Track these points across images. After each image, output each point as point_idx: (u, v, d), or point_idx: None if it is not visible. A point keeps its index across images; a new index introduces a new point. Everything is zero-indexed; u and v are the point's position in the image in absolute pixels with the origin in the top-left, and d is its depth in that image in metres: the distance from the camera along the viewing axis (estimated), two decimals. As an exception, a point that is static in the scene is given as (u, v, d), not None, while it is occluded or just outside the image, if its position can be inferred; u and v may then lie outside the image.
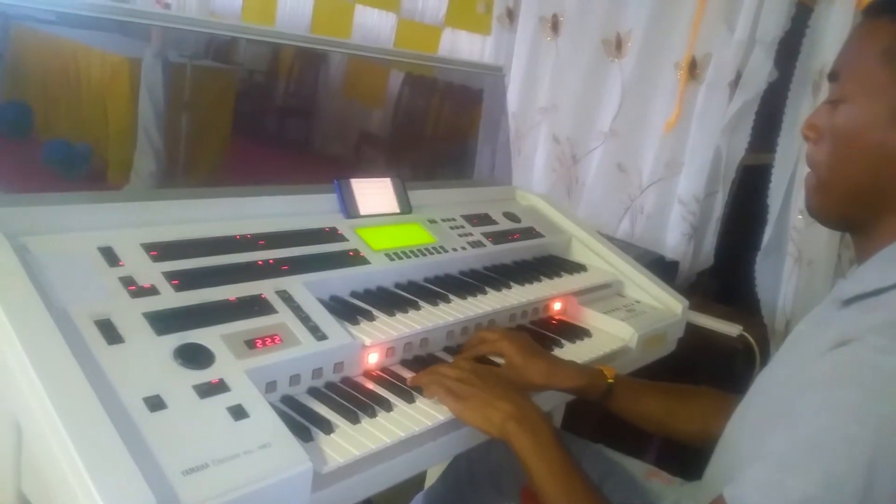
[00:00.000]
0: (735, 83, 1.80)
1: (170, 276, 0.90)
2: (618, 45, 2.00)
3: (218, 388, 0.78)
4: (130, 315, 0.81)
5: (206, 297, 0.90)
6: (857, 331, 0.69)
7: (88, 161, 1.31)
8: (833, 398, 0.67)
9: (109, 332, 0.78)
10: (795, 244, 1.74)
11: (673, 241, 1.93)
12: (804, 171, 1.66)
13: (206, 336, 0.83)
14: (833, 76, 0.82)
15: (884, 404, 0.64)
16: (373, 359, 1.00)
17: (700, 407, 1.11)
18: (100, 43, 1.37)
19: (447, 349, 1.12)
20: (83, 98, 1.37)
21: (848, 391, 0.66)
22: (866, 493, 0.63)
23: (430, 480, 1.54)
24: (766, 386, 0.88)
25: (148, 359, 0.78)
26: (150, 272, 0.89)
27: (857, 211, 0.81)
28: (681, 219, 1.91)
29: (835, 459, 0.64)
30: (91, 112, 1.38)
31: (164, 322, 0.82)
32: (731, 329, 1.66)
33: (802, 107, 1.71)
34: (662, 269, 1.78)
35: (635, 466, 1.22)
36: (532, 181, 2.20)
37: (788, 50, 1.74)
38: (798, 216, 1.73)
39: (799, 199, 1.72)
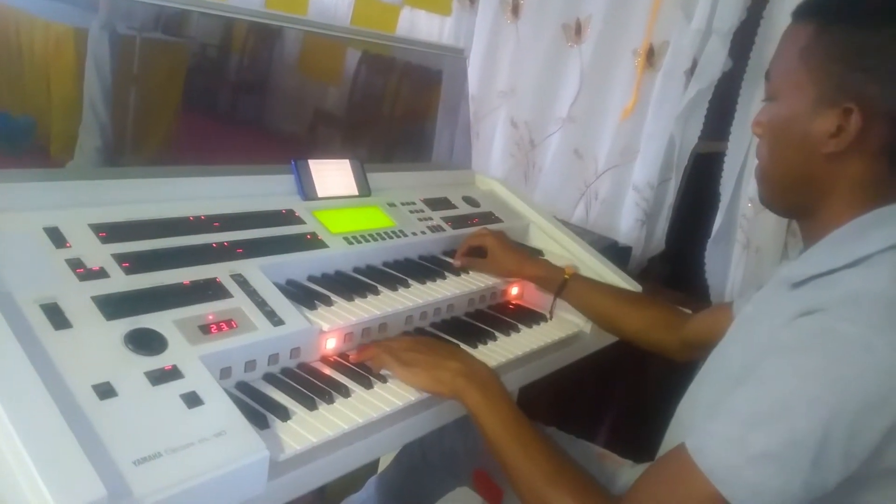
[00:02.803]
0: (691, 72, 1.82)
1: (120, 258, 0.87)
2: (577, 31, 2.00)
3: (171, 374, 0.76)
4: (78, 299, 0.79)
5: (159, 280, 0.87)
6: (820, 303, 0.73)
7: (31, 135, 1.25)
8: (799, 362, 0.71)
9: (56, 316, 0.75)
10: (744, 231, 1.78)
11: (626, 226, 1.96)
12: (755, 160, 1.71)
13: (158, 321, 0.81)
14: (767, 75, 0.89)
15: (844, 368, 0.68)
16: (331, 344, 0.99)
17: (645, 314, 1.25)
18: (43, 11, 1.31)
19: (406, 334, 1.12)
20: (25, 69, 1.31)
21: (812, 356, 0.70)
22: (820, 450, 0.67)
23: (385, 464, 1.54)
24: (719, 364, 0.92)
25: (97, 345, 0.75)
26: (100, 254, 0.86)
27: (798, 198, 0.86)
28: (634, 205, 1.93)
29: (797, 419, 0.68)
30: (34, 84, 1.31)
31: (114, 306, 0.80)
32: (681, 314, 1.69)
33: (755, 97, 1.74)
34: (615, 254, 1.81)
35: (587, 449, 1.25)
36: (490, 165, 2.20)
37: (743, 40, 1.77)
38: (748, 204, 1.77)
39: (749, 187, 1.76)
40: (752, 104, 1.75)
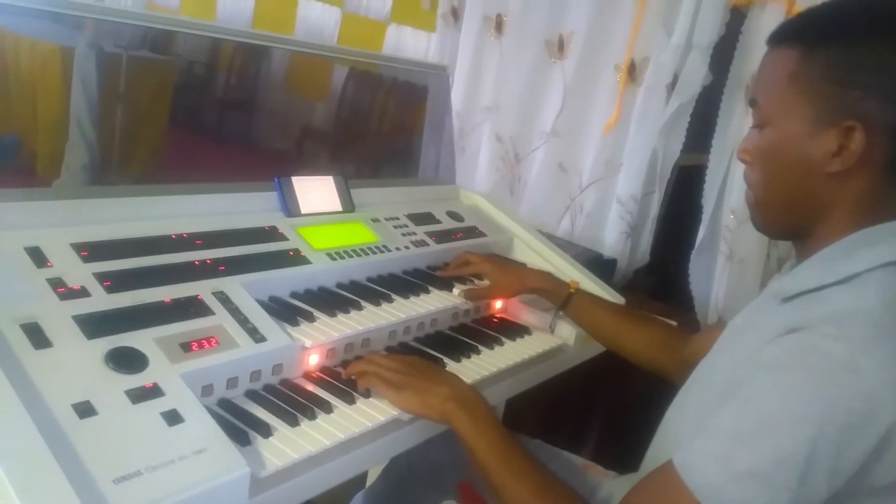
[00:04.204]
0: (672, 86, 1.85)
1: (101, 277, 0.87)
2: (560, 47, 2.03)
3: (151, 392, 0.76)
4: (59, 318, 0.79)
5: (140, 298, 0.87)
6: (805, 320, 0.73)
7: (16, 154, 1.25)
8: (785, 380, 0.71)
9: (36, 335, 0.75)
10: (727, 243, 1.80)
11: (611, 239, 1.98)
12: (736, 172, 1.74)
13: (139, 339, 0.81)
14: (752, 103, 0.88)
15: (830, 387, 0.68)
16: (313, 360, 1.00)
17: (647, 334, 1.24)
18: (30, 30, 1.31)
19: (389, 349, 1.13)
20: (11, 88, 1.31)
21: (799, 374, 0.70)
22: (807, 468, 0.67)
23: (372, 479, 1.54)
24: (707, 375, 0.92)
25: (77, 363, 0.75)
26: (81, 273, 0.86)
27: (795, 220, 0.86)
28: (619, 218, 1.95)
29: (783, 438, 0.68)
30: (19, 103, 1.32)
31: (94, 325, 0.80)
32: (666, 325, 1.70)
33: (735, 110, 1.77)
34: (600, 266, 1.82)
35: (571, 460, 1.25)
36: (476, 180, 2.22)
37: (723, 54, 1.80)
38: (730, 216, 1.79)
39: (731, 199, 1.78)
40: (732, 117, 1.78)
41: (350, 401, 0.94)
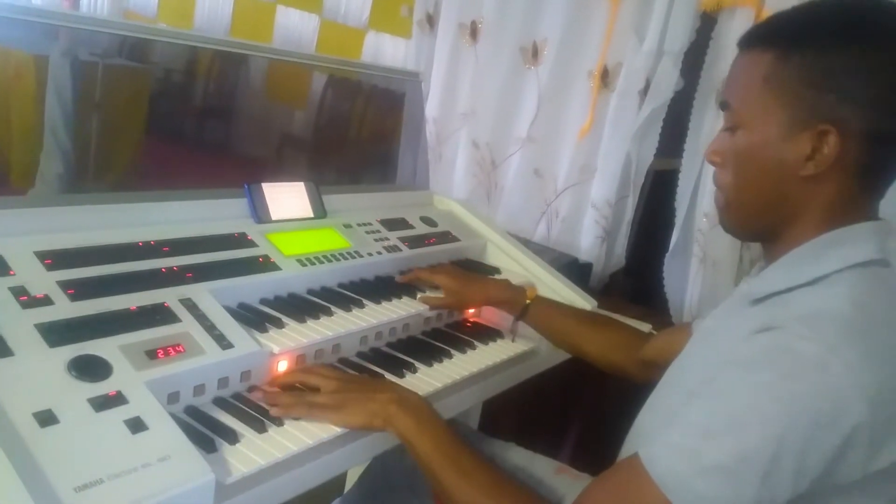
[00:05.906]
0: (644, 92, 1.87)
1: (65, 285, 0.87)
2: (534, 53, 2.04)
3: (115, 400, 0.76)
4: (21, 326, 0.78)
5: (104, 306, 0.87)
6: (777, 320, 0.74)
7: (-10, 163, 1.25)
8: (754, 377, 0.71)
9: (-3, 344, 0.75)
10: (700, 246, 1.82)
11: (587, 243, 1.99)
12: (708, 175, 1.76)
13: (103, 347, 0.81)
14: (724, 105, 0.88)
15: (799, 386, 0.69)
16: (282, 367, 0.99)
17: (606, 336, 1.25)
18: (4, 39, 1.31)
19: (361, 355, 1.13)
20: (-17, 97, 1.31)
21: (768, 372, 0.71)
22: (772, 466, 0.68)
23: (352, 483, 1.54)
24: (677, 377, 0.93)
25: (39, 372, 0.75)
26: (44, 281, 0.86)
27: (766, 222, 0.86)
28: (594, 222, 1.97)
29: (749, 434, 0.69)
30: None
31: (57, 333, 0.80)
32: (641, 327, 1.72)
33: (707, 114, 1.80)
34: (577, 270, 1.84)
35: (545, 463, 1.25)
36: (453, 185, 2.23)
37: (694, 60, 1.83)
38: (703, 219, 1.81)
39: (704, 202, 1.80)
40: (703, 122, 1.80)
41: (319, 406, 0.94)
